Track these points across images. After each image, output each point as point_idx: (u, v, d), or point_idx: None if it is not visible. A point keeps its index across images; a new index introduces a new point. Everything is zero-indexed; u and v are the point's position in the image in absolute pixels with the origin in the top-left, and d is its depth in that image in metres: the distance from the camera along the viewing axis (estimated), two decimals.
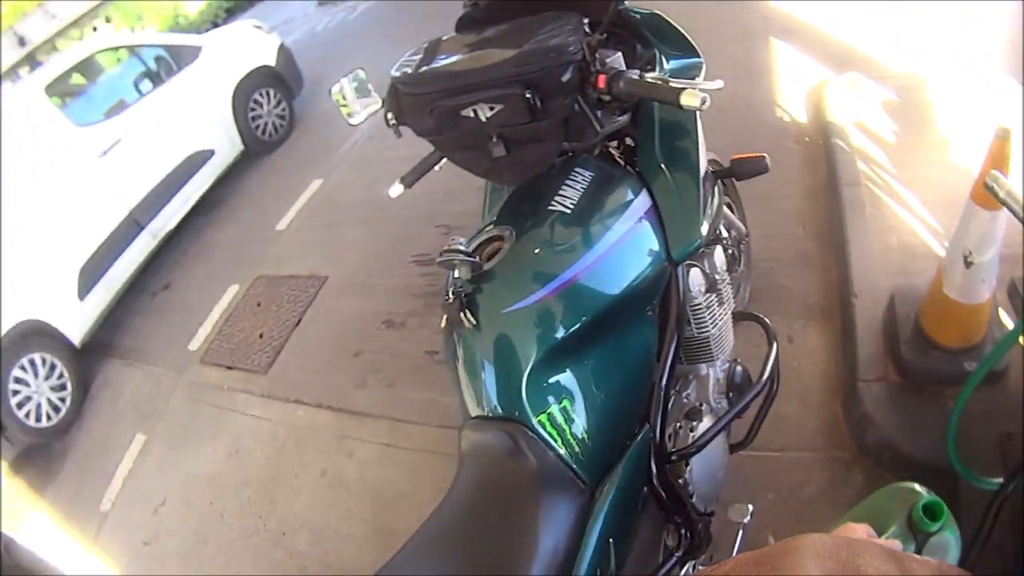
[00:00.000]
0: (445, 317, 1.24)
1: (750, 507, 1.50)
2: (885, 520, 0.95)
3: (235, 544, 3.11)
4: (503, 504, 1.12)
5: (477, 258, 1.19)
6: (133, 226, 5.25)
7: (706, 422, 1.44)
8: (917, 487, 0.99)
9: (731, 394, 1.61)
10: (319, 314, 4.15)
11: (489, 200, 1.62)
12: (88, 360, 4.94)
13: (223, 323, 4.57)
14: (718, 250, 1.50)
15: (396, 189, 1.61)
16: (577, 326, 1.18)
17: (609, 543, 1.12)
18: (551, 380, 1.17)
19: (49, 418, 4.54)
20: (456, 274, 1.19)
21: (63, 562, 3.57)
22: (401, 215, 4.36)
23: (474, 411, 1.23)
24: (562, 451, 1.14)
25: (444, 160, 1.54)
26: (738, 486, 1.98)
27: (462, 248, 1.16)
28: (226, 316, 4.61)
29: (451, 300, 1.20)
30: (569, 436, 1.15)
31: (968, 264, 1.83)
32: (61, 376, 4.67)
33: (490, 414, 1.19)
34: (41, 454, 4.57)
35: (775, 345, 1.59)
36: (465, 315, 1.18)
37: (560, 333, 1.18)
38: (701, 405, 1.48)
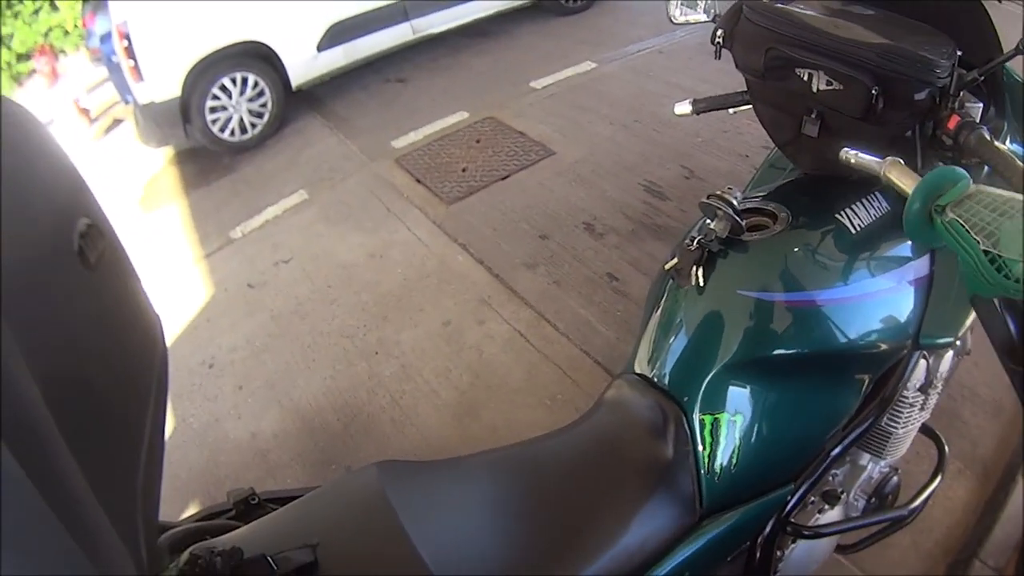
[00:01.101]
0: (674, 260, 1.15)
1: None
2: None
3: (327, 335, 3.00)
4: (614, 475, 1.07)
5: (743, 222, 1.11)
6: (400, 13, 5.21)
7: (836, 512, 1.36)
8: None
9: (872, 499, 1.50)
10: (528, 181, 3.85)
11: (762, 174, 1.52)
12: (295, 105, 4.97)
13: (436, 139, 4.37)
14: (949, 355, 1.36)
15: (683, 107, 1.51)
16: (792, 351, 1.10)
17: None
18: (735, 387, 1.09)
19: (233, 134, 4.61)
20: (712, 224, 1.11)
21: (161, 267, 3.49)
22: (654, 137, 3.96)
23: (641, 367, 1.18)
24: (703, 462, 1.08)
25: (746, 108, 1.43)
26: None
27: (734, 203, 1.09)
28: (442, 134, 4.41)
29: (693, 247, 1.12)
30: (719, 452, 1.08)
31: None
32: (264, 105, 4.71)
33: (656, 380, 1.14)
34: (208, 159, 4.61)
35: (939, 478, 1.47)
36: (697, 270, 1.11)
37: (774, 347, 1.10)
38: (841, 493, 1.37)
